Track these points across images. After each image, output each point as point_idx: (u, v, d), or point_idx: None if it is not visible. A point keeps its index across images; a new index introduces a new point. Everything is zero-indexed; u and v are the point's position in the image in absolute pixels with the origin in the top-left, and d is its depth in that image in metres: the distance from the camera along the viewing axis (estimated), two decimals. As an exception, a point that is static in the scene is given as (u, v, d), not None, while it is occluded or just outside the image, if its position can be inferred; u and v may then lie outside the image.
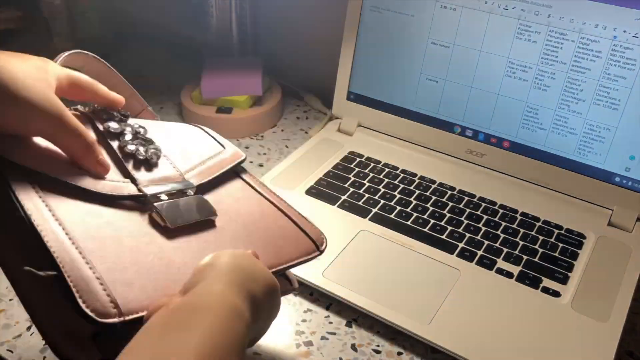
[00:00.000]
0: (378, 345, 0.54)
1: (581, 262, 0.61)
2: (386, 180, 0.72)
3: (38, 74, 0.38)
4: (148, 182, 0.42)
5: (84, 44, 1.05)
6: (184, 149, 0.48)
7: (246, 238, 0.44)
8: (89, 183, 0.40)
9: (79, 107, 0.46)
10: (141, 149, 0.44)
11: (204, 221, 0.43)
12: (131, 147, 0.44)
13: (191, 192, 0.44)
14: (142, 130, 0.46)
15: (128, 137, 0.44)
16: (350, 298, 0.56)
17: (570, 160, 0.69)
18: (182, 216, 0.41)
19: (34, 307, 0.35)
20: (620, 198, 0.67)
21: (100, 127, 0.44)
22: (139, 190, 0.41)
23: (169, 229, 0.40)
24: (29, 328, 0.54)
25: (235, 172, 0.50)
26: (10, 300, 0.57)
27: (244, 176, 0.50)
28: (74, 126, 0.38)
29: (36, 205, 0.36)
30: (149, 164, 0.44)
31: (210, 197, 0.45)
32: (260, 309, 0.37)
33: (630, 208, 0.66)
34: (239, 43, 0.97)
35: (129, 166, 0.43)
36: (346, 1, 0.78)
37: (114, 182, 0.41)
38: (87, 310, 0.33)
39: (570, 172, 0.69)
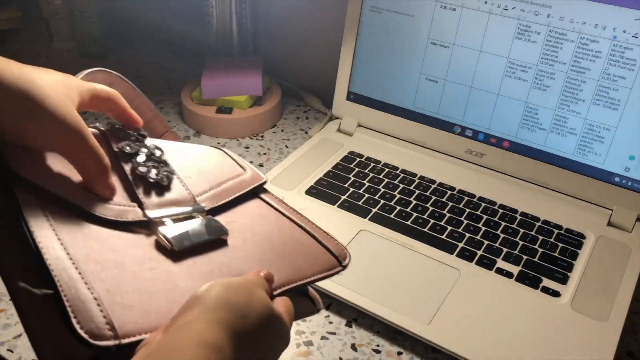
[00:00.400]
0: (378, 345, 0.54)
1: (581, 262, 0.61)
2: (386, 180, 0.72)
3: (63, 90, 0.38)
4: (155, 205, 0.41)
5: (84, 44, 1.05)
6: (200, 171, 0.46)
7: (261, 256, 0.43)
8: (94, 207, 0.39)
9: (97, 125, 0.45)
10: (153, 171, 0.43)
11: (215, 242, 0.41)
12: (142, 169, 0.42)
13: (200, 216, 0.42)
14: (157, 152, 0.45)
15: (141, 158, 0.43)
16: (350, 298, 0.56)
17: (570, 160, 0.69)
18: (189, 238, 0.40)
19: (31, 325, 0.33)
20: (620, 198, 0.67)
21: (115, 147, 0.43)
22: (144, 215, 0.40)
23: (176, 252, 0.39)
24: (29, 328, 0.54)
25: (253, 192, 0.48)
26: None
27: (262, 195, 0.48)
28: (92, 146, 0.39)
29: (42, 225, 0.35)
30: (160, 187, 0.43)
31: (223, 217, 0.44)
32: (249, 344, 0.36)
33: (630, 208, 0.66)
34: (239, 43, 0.97)
35: (139, 190, 0.42)
36: (346, 1, 0.78)
37: (120, 207, 0.40)
38: (81, 332, 0.31)
39: (570, 172, 0.70)
